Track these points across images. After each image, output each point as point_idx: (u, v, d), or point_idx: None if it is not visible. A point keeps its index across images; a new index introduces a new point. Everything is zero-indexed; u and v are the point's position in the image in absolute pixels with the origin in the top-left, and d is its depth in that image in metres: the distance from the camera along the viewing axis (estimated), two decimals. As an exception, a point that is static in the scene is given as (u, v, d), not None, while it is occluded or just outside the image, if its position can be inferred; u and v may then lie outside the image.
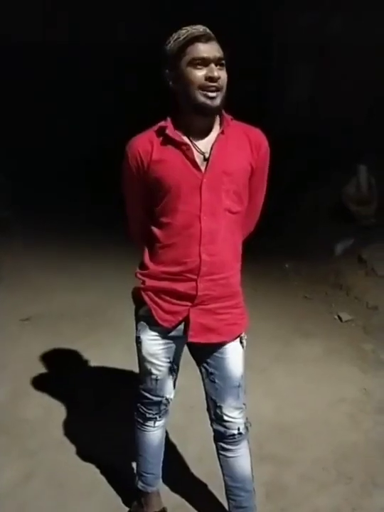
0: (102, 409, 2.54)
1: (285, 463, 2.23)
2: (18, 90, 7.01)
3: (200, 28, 1.39)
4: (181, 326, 1.56)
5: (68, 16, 7.43)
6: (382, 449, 2.33)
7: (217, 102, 1.39)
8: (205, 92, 1.37)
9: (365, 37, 5.88)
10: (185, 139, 1.45)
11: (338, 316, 3.72)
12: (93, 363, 2.94)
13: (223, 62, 1.39)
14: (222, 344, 1.57)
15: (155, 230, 1.52)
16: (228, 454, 1.69)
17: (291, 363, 3.07)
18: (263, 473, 2.10)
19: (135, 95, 7.35)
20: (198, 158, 1.44)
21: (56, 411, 2.54)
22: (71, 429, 2.41)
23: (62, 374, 2.85)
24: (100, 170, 6.21)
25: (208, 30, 1.39)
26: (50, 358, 2.98)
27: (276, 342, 3.30)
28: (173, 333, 1.57)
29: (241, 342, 1.60)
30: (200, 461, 2.19)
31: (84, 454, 2.25)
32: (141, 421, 1.77)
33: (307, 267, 4.54)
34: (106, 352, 3.02)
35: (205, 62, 1.36)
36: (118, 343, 3.10)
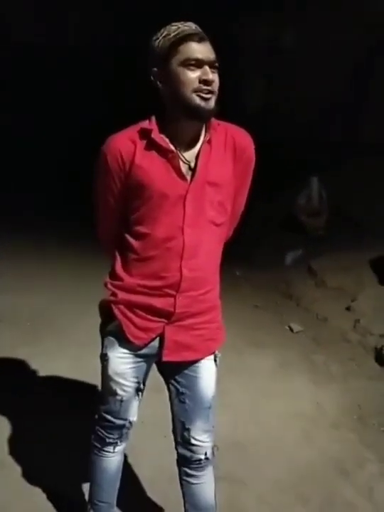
0: (47, 428, 2.32)
1: (241, 483, 2.15)
2: (18, 90, 6.99)
3: (192, 26, 1.28)
4: (154, 343, 1.43)
5: (68, 16, 7.46)
6: (337, 467, 2.31)
7: (212, 104, 1.28)
8: (198, 94, 1.26)
9: (318, 50, 6.02)
10: (171, 146, 1.33)
11: (289, 327, 3.72)
12: (37, 375, 2.72)
13: (217, 65, 1.28)
14: (196, 362, 1.47)
15: (130, 239, 1.39)
16: (192, 480, 1.59)
17: (245, 374, 3.02)
18: (220, 494, 1.97)
19: (134, 96, 7.28)
20: (184, 167, 1.34)
21: (-5, 427, 2.31)
22: (12, 449, 2.20)
23: (1, 385, 2.61)
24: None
25: (199, 29, 1.28)
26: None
27: (229, 352, 3.18)
28: (144, 351, 1.44)
29: (215, 360, 1.51)
30: (154, 482, 2.06)
31: (27, 478, 2.05)
32: (99, 446, 1.61)
33: (258, 275, 4.53)
34: (51, 363, 2.77)
35: (199, 63, 1.25)
36: (66, 353, 2.85)
